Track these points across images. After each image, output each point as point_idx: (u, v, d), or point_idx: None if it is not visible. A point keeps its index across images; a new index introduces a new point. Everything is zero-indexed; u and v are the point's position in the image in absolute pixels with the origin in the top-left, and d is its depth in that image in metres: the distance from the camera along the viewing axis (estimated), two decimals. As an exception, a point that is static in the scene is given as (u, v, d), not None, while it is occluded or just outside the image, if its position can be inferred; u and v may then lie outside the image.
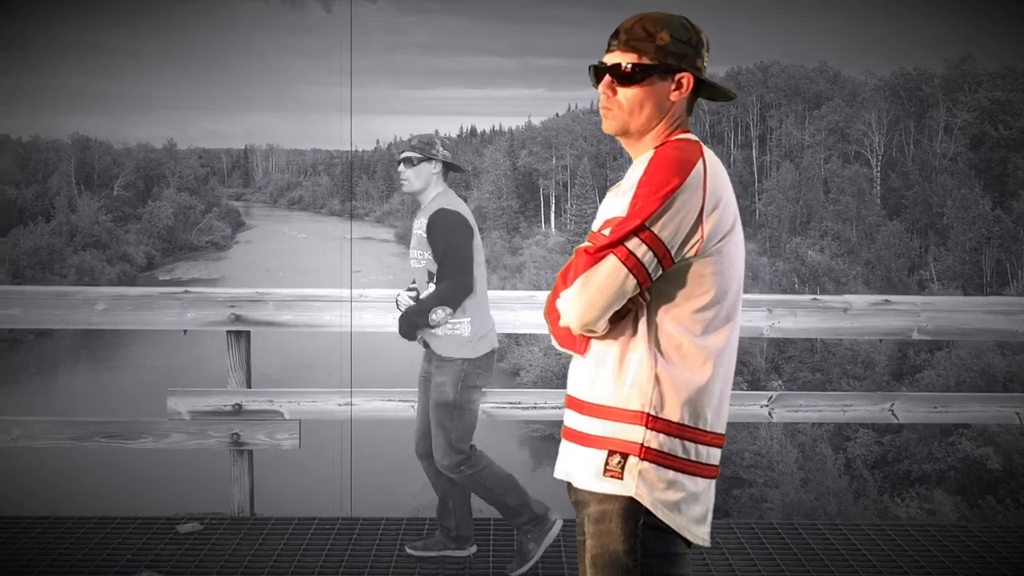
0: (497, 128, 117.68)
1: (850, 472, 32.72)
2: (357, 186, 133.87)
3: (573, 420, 2.03)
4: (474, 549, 3.93)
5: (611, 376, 1.95)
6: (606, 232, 1.92)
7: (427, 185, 3.77)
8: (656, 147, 1.96)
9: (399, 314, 3.75)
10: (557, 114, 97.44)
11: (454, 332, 3.68)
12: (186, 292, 4.40)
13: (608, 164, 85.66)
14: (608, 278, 1.86)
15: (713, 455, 1.99)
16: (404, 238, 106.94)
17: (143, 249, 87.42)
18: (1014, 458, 30.61)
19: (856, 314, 4.47)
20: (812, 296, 4.71)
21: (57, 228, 78.42)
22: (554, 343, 2.07)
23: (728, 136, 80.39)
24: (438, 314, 3.63)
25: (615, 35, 1.99)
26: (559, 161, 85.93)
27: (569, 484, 2.04)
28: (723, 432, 2.02)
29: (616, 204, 1.96)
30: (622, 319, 1.93)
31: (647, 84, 1.96)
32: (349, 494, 4.29)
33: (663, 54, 1.95)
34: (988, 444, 31.18)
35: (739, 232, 1.99)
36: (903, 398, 4.59)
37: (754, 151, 76.93)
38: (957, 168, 54.75)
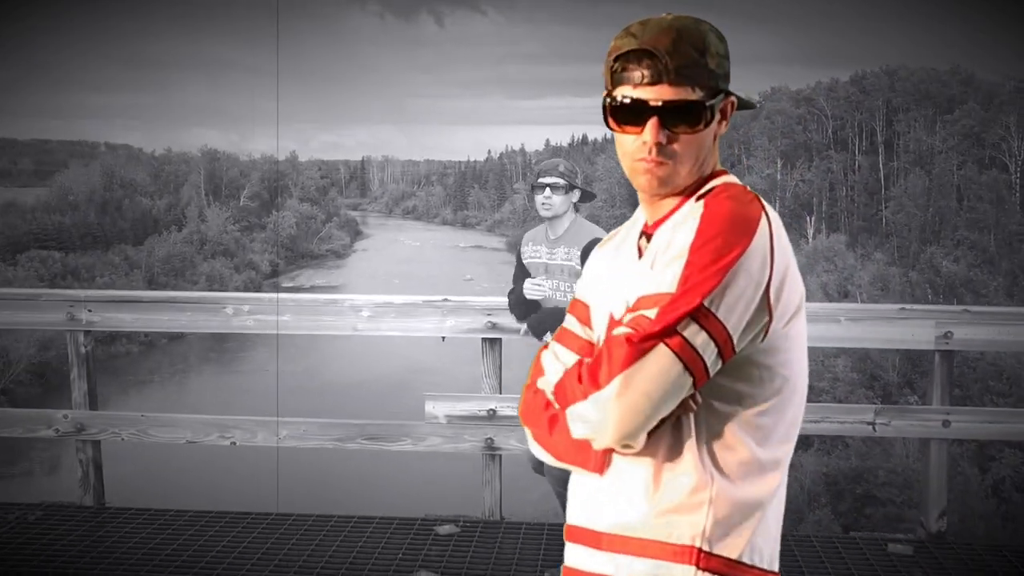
0: (609, 136, 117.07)
1: (998, 495, 31.11)
2: (469, 195, 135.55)
3: (584, 559, 1.56)
4: None
5: (644, 498, 1.48)
6: (648, 314, 1.41)
7: (566, 211, 3.87)
8: (699, 196, 1.51)
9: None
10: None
11: None
12: (445, 300, 4.47)
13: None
14: (659, 376, 1.38)
15: None
16: (515, 246, 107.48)
17: (267, 257, 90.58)
18: None
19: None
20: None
21: (188, 237, 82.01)
22: (547, 457, 1.56)
23: (852, 142, 77.94)
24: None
25: (648, 56, 1.45)
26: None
27: None
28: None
29: (653, 276, 1.46)
30: (659, 426, 1.45)
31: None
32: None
33: (716, 79, 1.49)
34: None
35: (804, 309, 1.53)
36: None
37: (880, 157, 74.37)
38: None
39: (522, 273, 4.02)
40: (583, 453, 1.50)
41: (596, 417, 1.42)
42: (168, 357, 65.59)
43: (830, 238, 65.44)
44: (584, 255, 3.72)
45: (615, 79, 1.49)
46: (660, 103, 1.45)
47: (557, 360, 1.60)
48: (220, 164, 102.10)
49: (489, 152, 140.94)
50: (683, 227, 1.46)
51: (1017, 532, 28.90)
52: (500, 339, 4.43)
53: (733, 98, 1.54)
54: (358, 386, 44.86)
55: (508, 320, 4.40)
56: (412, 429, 4.51)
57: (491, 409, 4.42)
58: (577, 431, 1.47)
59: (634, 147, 1.49)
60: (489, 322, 4.40)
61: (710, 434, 1.47)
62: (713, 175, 1.54)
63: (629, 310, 1.46)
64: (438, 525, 4.37)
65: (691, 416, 1.46)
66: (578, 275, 3.71)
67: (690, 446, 1.46)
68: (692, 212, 1.47)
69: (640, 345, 1.39)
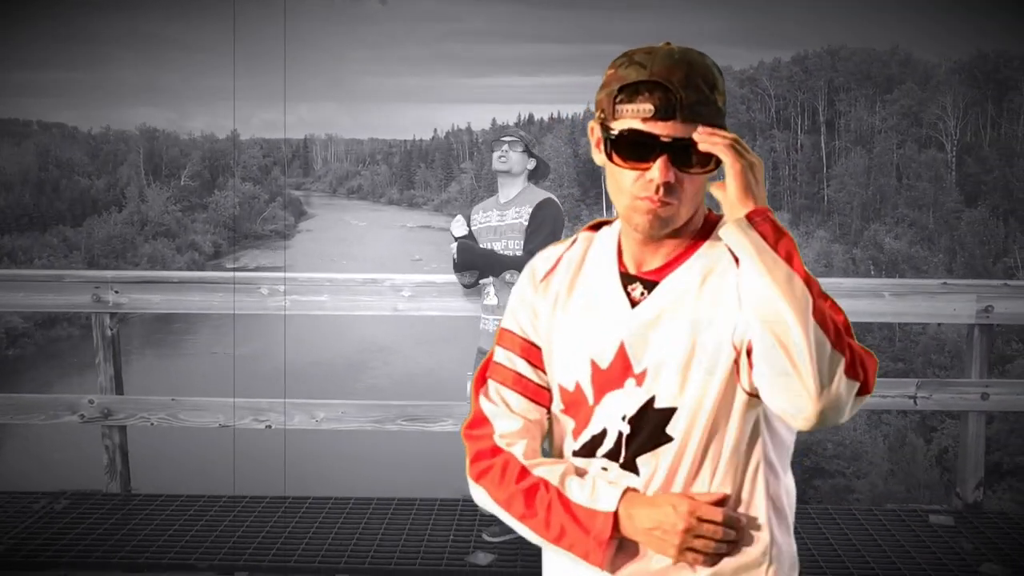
0: (556, 116, 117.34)
1: (942, 464, 32.10)
2: (415, 175, 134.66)
3: None
4: None
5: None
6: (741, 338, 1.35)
7: (520, 174, 3.95)
8: (712, 237, 1.45)
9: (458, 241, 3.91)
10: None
11: None
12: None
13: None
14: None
15: None
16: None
17: (210, 238, 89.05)
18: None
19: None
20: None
21: (129, 218, 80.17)
22: (511, 521, 1.51)
23: (795, 121, 79.18)
24: (507, 277, 3.78)
25: (661, 90, 1.34)
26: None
27: None
28: None
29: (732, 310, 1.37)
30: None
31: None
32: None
33: (722, 117, 1.39)
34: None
35: None
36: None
37: (822, 136, 75.67)
38: (1040, 152, 53.32)
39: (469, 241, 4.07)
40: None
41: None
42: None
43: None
44: (539, 209, 3.81)
45: (618, 110, 1.36)
46: (671, 139, 1.34)
47: (507, 407, 1.50)
48: (159, 143, 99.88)
49: (435, 131, 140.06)
50: (729, 273, 1.37)
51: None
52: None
53: None
54: (324, 364, 44.36)
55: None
56: (453, 409, 4.47)
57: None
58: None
59: (636, 185, 1.37)
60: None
61: (769, 470, 1.43)
62: (702, 213, 1.47)
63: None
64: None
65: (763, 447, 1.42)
66: (520, 231, 3.83)
67: (761, 489, 1.43)
68: (724, 255, 1.38)
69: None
